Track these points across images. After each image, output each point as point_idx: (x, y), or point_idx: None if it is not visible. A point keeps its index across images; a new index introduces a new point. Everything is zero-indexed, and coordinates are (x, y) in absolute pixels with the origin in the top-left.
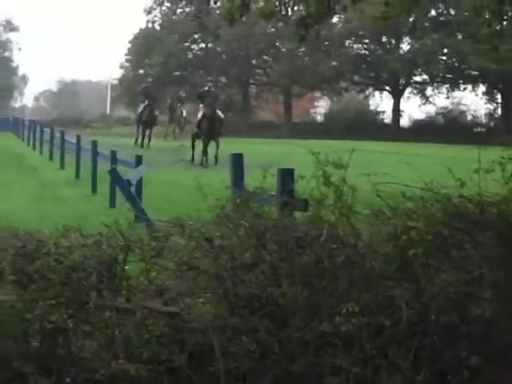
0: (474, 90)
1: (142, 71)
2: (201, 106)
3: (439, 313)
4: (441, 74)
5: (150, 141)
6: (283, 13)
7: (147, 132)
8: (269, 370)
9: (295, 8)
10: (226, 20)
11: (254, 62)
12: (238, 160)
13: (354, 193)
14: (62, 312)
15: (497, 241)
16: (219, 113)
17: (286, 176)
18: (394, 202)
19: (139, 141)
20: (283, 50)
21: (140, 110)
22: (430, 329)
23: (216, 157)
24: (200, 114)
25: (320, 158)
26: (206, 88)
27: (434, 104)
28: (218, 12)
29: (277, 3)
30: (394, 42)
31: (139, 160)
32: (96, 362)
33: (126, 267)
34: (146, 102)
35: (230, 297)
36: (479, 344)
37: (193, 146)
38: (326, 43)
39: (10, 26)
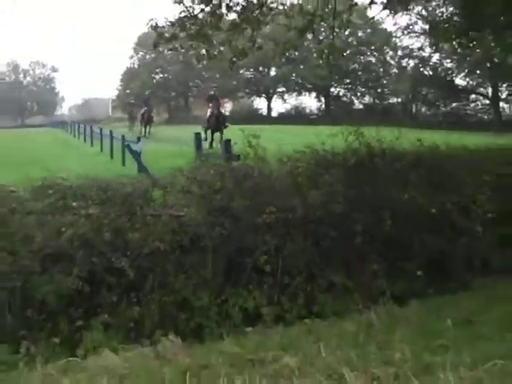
0: (309, 95)
1: (128, 91)
2: (210, 105)
3: (316, 210)
4: (292, 87)
5: (149, 132)
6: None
7: (147, 127)
8: (232, 244)
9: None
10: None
11: (190, 83)
12: (198, 137)
13: (265, 151)
14: (123, 218)
15: (343, 173)
16: (222, 111)
17: (227, 144)
18: (288, 155)
19: (142, 133)
20: (206, 76)
21: (142, 112)
22: (311, 220)
23: (220, 141)
24: (209, 112)
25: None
26: (212, 93)
27: (289, 103)
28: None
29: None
30: (266, 70)
31: (139, 139)
32: (142, 243)
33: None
34: (145, 107)
35: (209, 207)
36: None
37: (205, 134)
38: (230, 72)
39: (52, 69)
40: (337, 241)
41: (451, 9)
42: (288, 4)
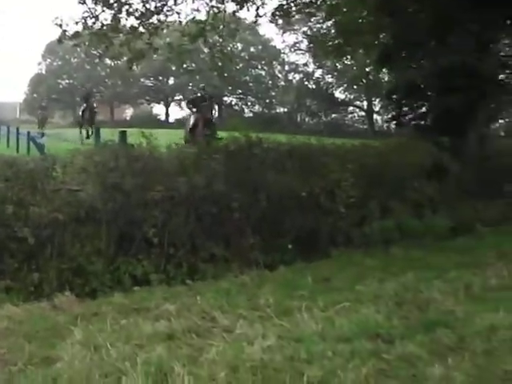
0: None
1: (35, 95)
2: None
3: (199, 190)
4: (189, 96)
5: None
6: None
7: (89, 128)
8: (123, 218)
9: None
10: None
11: (94, 90)
12: (97, 132)
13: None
14: (26, 192)
15: (224, 158)
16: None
17: (124, 135)
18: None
19: (84, 134)
20: (109, 83)
21: (81, 109)
22: (195, 198)
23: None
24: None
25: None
26: (199, 94)
27: (185, 110)
28: None
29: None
30: (165, 79)
31: (43, 134)
32: (43, 215)
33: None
34: (85, 105)
35: (103, 184)
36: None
37: None
38: (131, 80)
39: None
40: (218, 217)
41: (329, 24)
42: (182, 13)
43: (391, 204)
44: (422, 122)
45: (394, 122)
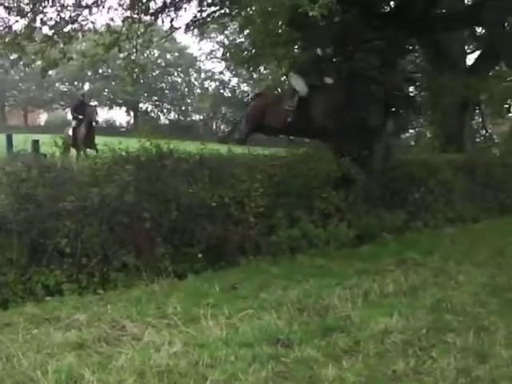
0: (120, 110)
1: None
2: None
3: (111, 200)
4: (104, 101)
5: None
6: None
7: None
8: (35, 228)
9: None
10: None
11: (7, 94)
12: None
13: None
14: None
15: (136, 169)
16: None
17: (36, 144)
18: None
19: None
20: (23, 87)
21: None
22: (107, 208)
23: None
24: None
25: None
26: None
27: (101, 116)
28: None
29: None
30: (81, 84)
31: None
32: None
33: None
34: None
35: (15, 194)
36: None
37: None
38: (46, 84)
39: None
40: (129, 227)
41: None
42: (97, 22)
43: (299, 213)
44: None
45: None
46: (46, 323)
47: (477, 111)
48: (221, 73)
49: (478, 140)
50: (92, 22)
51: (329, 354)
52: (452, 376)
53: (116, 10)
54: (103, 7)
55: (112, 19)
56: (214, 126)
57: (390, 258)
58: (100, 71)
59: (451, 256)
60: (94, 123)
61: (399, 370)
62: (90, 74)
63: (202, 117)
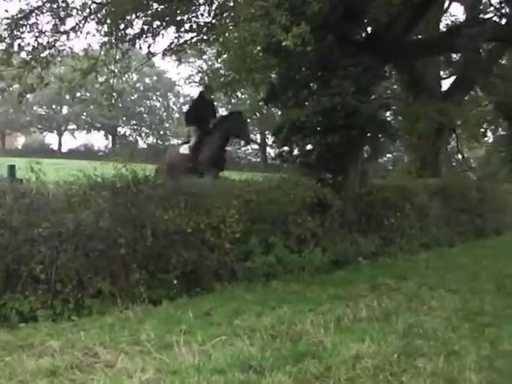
0: (98, 133)
1: None
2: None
3: (86, 226)
4: (82, 125)
5: None
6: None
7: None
8: (10, 254)
9: None
10: None
11: None
12: None
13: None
14: None
15: (111, 195)
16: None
17: (12, 169)
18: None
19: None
20: (1, 110)
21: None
22: (82, 234)
23: None
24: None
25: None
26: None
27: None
28: None
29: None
30: (59, 108)
31: None
32: None
33: None
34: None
35: None
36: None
37: None
38: (23, 107)
39: None
40: (105, 253)
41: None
42: (75, 47)
43: (274, 239)
44: (307, 159)
45: (281, 159)
46: (19, 350)
47: (453, 136)
48: None
49: (454, 164)
50: (70, 48)
51: (300, 379)
52: None
53: (94, 35)
54: (81, 33)
55: (90, 45)
56: None
57: (364, 284)
58: (78, 95)
59: (425, 281)
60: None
61: None
62: (68, 97)
63: (180, 141)
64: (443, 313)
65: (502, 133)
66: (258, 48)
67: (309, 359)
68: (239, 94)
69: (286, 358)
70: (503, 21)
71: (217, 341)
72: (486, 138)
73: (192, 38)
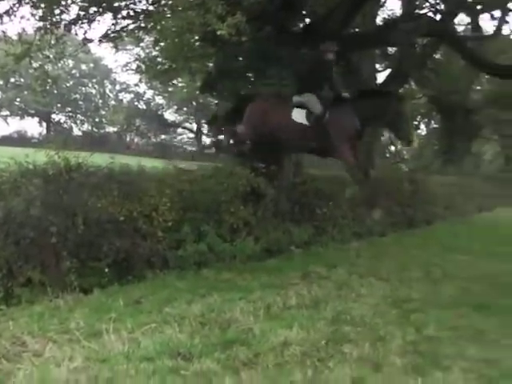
0: (33, 119)
1: None
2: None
3: (17, 214)
4: (15, 112)
5: None
6: None
7: None
8: None
9: None
10: None
11: None
12: None
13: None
14: None
15: (43, 183)
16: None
17: None
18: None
19: None
20: None
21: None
22: (12, 221)
23: None
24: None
25: None
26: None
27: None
28: None
29: None
30: None
31: None
32: None
33: None
34: None
35: None
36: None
37: None
38: None
39: None
40: (35, 241)
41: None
42: (9, 31)
43: (207, 228)
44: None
45: (216, 148)
46: None
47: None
48: (136, 85)
49: (387, 156)
50: (3, 32)
51: (228, 366)
52: None
53: (28, 20)
54: (15, 16)
55: (24, 29)
56: (128, 139)
57: (296, 272)
58: (12, 80)
59: (355, 269)
60: None
61: (297, 380)
62: (0, 82)
63: (115, 129)
64: (372, 300)
65: (435, 126)
66: (196, 37)
67: (238, 346)
68: (175, 82)
69: (215, 345)
70: (438, 17)
71: (146, 328)
72: (419, 131)
73: (129, 24)
